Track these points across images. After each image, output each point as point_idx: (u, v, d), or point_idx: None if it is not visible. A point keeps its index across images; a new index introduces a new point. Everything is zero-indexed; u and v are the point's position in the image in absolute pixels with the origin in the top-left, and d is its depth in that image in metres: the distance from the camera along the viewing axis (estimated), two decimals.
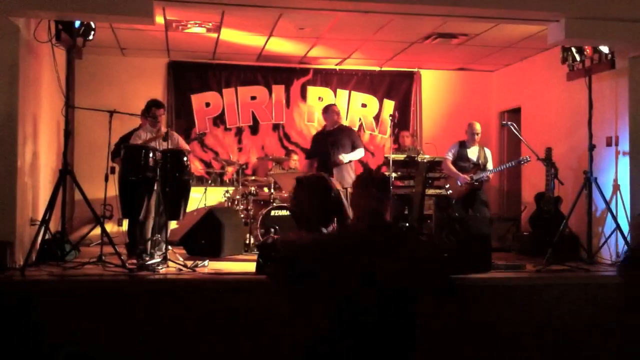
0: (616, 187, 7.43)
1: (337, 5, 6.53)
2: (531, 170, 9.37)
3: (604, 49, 7.33)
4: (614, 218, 7.10)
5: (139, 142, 7.30)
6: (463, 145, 8.60)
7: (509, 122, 8.26)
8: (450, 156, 8.60)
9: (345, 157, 8.24)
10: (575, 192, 7.51)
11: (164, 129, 7.46)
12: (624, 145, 7.33)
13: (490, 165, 8.61)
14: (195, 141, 8.80)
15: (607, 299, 5.91)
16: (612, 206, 7.28)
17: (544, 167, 7.90)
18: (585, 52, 7.51)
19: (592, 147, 7.28)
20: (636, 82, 7.19)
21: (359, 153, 8.46)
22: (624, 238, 6.98)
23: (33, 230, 6.36)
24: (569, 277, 6.24)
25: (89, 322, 5.12)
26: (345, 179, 8.12)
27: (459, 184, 8.37)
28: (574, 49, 7.62)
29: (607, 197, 7.27)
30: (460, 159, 8.54)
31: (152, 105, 7.55)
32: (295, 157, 10.01)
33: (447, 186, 8.62)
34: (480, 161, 8.49)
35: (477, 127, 8.54)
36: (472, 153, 8.54)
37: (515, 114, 10.21)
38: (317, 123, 10.38)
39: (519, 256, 8.14)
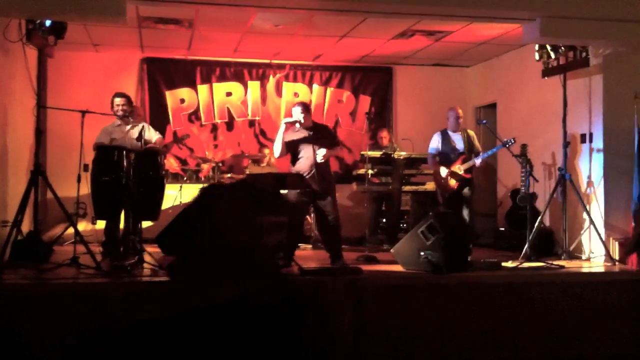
0: (590, 184, 7.49)
1: (311, 4, 6.48)
2: (506, 167, 9.42)
3: (579, 47, 7.38)
4: (588, 214, 7.17)
5: (106, 140, 7.15)
6: (445, 134, 8.07)
7: (484, 120, 8.22)
8: (433, 151, 8.10)
9: (326, 153, 7.74)
10: (550, 189, 7.57)
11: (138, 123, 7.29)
12: (598, 142, 7.38)
13: (477, 147, 8.11)
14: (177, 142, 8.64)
15: (582, 294, 6.00)
16: (587, 202, 7.34)
17: (519, 164, 7.91)
18: (560, 50, 7.56)
19: (566, 144, 7.36)
20: (610, 79, 7.26)
21: (336, 151, 8.33)
22: (598, 234, 7.05)
23: (5, 232, 6.27)
24: (545, 274, 6.31)
25: (63, 324, 5.06)
26: (331, 176, 7.61)
27: (442, 176, 7.91)
28: (549, 47, 7.67)
29: (582, 194, 7.34)
30: (446, 149, 7.99)
31: (113, 96, 7.36)
32: (266, 151, 9.83)
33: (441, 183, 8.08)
34: (466, 148, 7.97)
35: (460, 111, 8.08)
36: (457, 140, 8.02)
37: (491, 109, 10.25)
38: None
39: (496, 252, 8.18)
